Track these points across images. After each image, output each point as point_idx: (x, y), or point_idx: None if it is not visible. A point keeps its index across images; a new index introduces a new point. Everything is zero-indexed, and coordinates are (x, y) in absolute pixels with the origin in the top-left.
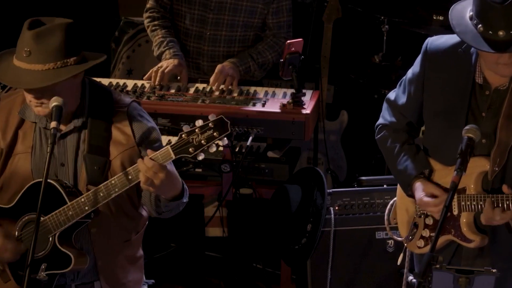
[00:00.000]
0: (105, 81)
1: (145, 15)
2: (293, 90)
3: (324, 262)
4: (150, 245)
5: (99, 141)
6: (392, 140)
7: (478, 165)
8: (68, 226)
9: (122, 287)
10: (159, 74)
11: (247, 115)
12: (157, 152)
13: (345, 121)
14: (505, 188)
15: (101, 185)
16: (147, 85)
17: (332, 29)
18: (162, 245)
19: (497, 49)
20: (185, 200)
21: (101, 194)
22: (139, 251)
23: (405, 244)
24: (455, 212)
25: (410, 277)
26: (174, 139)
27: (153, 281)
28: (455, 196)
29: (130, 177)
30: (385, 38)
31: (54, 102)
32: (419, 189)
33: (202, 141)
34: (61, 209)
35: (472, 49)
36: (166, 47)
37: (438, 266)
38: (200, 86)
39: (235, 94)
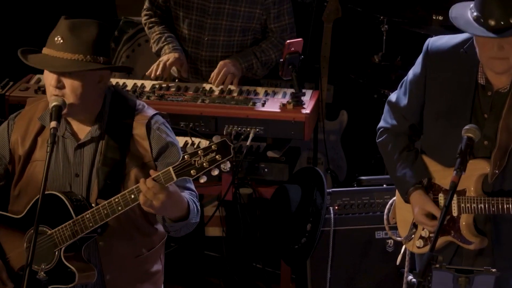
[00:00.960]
0: None
1: (143, 14)
2: (293, 90)
3: (324, 261)
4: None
5: (115, 153)
6: (393, 145)
7: (479, 167)
8: (75, 241)
9: None
10: (160, 66)
11: (247, 115)
12: (159, 172)
13: (345, 121)
14: None
15: (105, 202)
16: (147, 85)
17: (331, 29)
18: None
19: (485, 33)
20: (194, 221)
21: (105, 212)
22: (155, 266)
23: (404, 244)
24: (455, 214)
25: (410, 277)
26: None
27: None
28: (455, 198)
29: (133, 196)
30: (384, 38)
31: (54, 102)
32: (416, 201)
33: (204, 164)
34: (66, 223)
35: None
36: (165, 42)
37: (438, 265)
38: (200, 86)
39: (235, 94)
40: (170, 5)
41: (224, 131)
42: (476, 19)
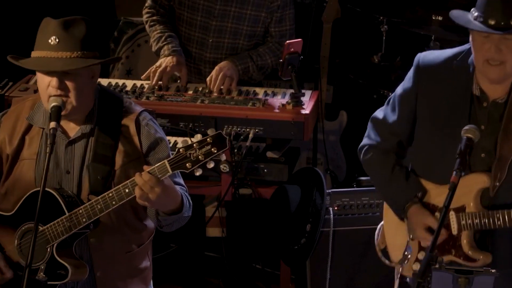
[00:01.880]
0: (104, 81)
1: (144, 11)
2: (292, 90)
3: (323, 262)
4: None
5: (105, 149)
6: (382, 162)
7: (477, 182)
8: (66, 237)
9: None
10: (157, 75)
11: (246, 115)
12: (154, 166)
13: (344, 121)
14: None
15: (99, 197)
16: (146, 85)
17: (331, 29)
18: (162, 245)
19: (485, 29)
20: (186, 215)
21: (99, 207)
22: (143, 263)
23: (399, 269)
24: (454, 232)
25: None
26: (173, 140)
27: None
28: (454, 215)
29: (127, 190)
30: (384, 38)
31: (53, 102)
32: (415, 216)
33: (200, 157)
34: (59, 219)
35: (469, 60)
36: (165, 42)
37: (437, 266)
38: (200, 86)
39: (234, 94)
40: (175, 5)
41: (224, 132)
42: (476, 18)
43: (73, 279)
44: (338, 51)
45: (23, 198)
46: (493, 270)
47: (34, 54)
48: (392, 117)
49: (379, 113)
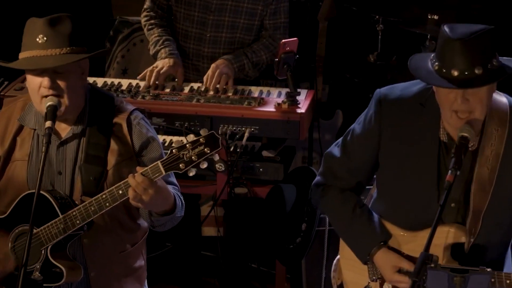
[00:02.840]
0: (99, 81)
1: (143, 14)
2: (288, 90)
3: (319, 261)
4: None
5: (97, 150)
6: (342, 201)
7: (454, 236)
8: (60, 239)
9: None
10: (154, 75)
11: (242, 114)
12: (147, 167)
13: (340, 121)
14: None
15: (93, 198)
16: (142, 85)
17: (327, 28)
18: (158, 244)
19: (448, 85)
20: (179, 215)
21: (92, 208)
22: (137, 262)
23: None
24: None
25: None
26: (168, 139)
27: None
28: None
29: (121, 191)
30: (380, 37)
31: (49, 102)
32: (385, 260)
33: (193, 157)
34: (52, 222)
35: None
36: (162, 46)
37: (433, 265)
38: (195, 85)
39: (230, 94)
40: (172, 2)
41: (219, 131)
42: (438, 70)
43: (67, 280)
44: (334, 50)
45: (16, 201)
46: (488, 269)
47: (22, 55)
48: (351, 158)
49: (334, 150)
